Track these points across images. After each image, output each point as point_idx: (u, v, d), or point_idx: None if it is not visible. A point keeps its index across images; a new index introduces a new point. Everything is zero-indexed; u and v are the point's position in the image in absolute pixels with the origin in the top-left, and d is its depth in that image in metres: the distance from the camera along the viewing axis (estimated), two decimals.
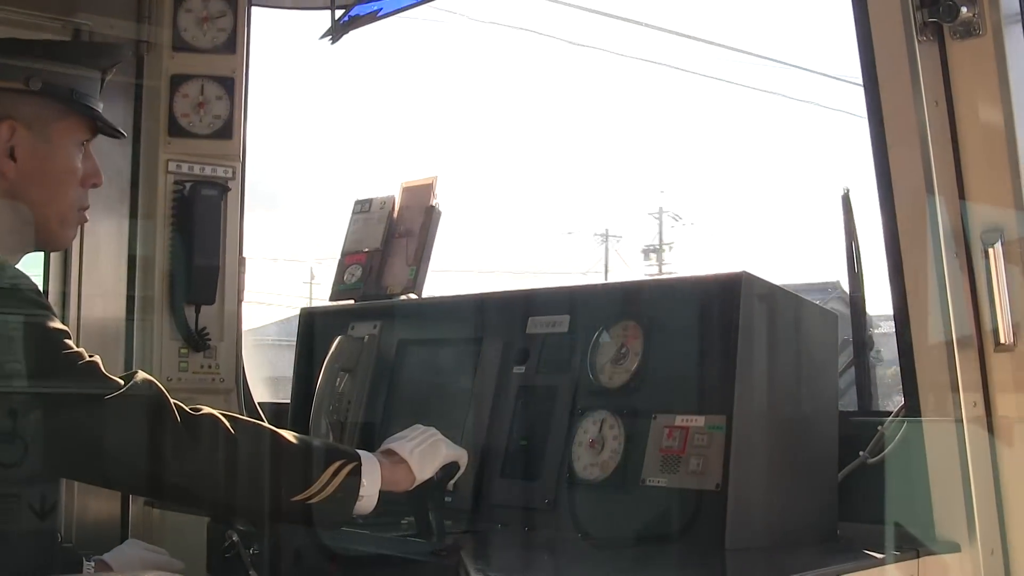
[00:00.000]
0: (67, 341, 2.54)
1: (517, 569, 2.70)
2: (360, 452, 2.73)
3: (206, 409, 2.63)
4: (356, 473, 2.68)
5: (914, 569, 2.66)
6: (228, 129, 4.33)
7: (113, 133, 2.93)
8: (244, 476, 2.63)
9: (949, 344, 2.70)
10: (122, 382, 2.54)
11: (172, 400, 2.58)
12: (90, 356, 2.55)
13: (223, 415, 2.63)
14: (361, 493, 2.68)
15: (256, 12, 4.46)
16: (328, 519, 2.68)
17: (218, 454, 2.59)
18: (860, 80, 2.84)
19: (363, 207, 3.94)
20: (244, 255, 4.41)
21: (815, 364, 2.86)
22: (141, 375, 2.59)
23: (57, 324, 2.55)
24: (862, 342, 3.20)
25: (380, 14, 3.93)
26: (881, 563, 2.60)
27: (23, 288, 2.58)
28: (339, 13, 4.05)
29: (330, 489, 2.64)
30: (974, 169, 2.71)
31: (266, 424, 2.72)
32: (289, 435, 2.70)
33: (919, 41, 2.71)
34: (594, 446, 2.81)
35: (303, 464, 2.67)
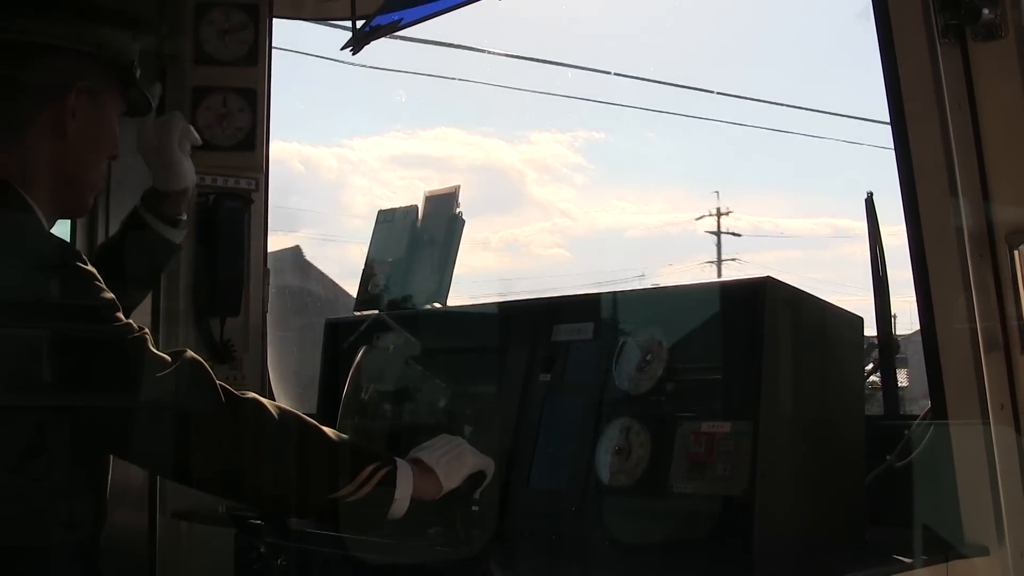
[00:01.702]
0: (117, 315, 2.56)
1: None
2: (396, 458, 2.74)
3: (251, 394, 2.64)
4: (392, 477, 2.69)
5: (943, 573, 2.65)
6: (251, 141, 4.34)
7: (147, 109, 3.08)
8: (283, 464, 2.63)
9: (975, 347, 2.69)
10: (170, 359, 2.56)
11: (218, 382, 2.59)
12: (140, 329, 2.57)
13: (268, 403, 2.64)
14: (395, 496, 2.69)
15: (277, 24, 4.48)
16: (360, 521, 2.68)
17: (260, 439, 2.60)
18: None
19: (386, 217, 3.94)
20: (268, 267, 4.42)
21: (840, 368, 2.85)
22: (189, 354, 2.60)
23: (106, 295, 2.57)
24: (888, 345, 3.20)
25: (402, 24, 3.93)
26: (910, 567, 2.60)
27: (71, 255, 2.60)
28: (360, 24, 4.05)
29: (365, 490, 2.65)
30: (998, 171, 2.70)
31: (308, 418, 2.72)
32: (328, 431, 2.71)
33: (941, 44, 2.70)
34: (620, 453, 2.81)
35: (341, 460, 2.67)
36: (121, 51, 2.89)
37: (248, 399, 2.62)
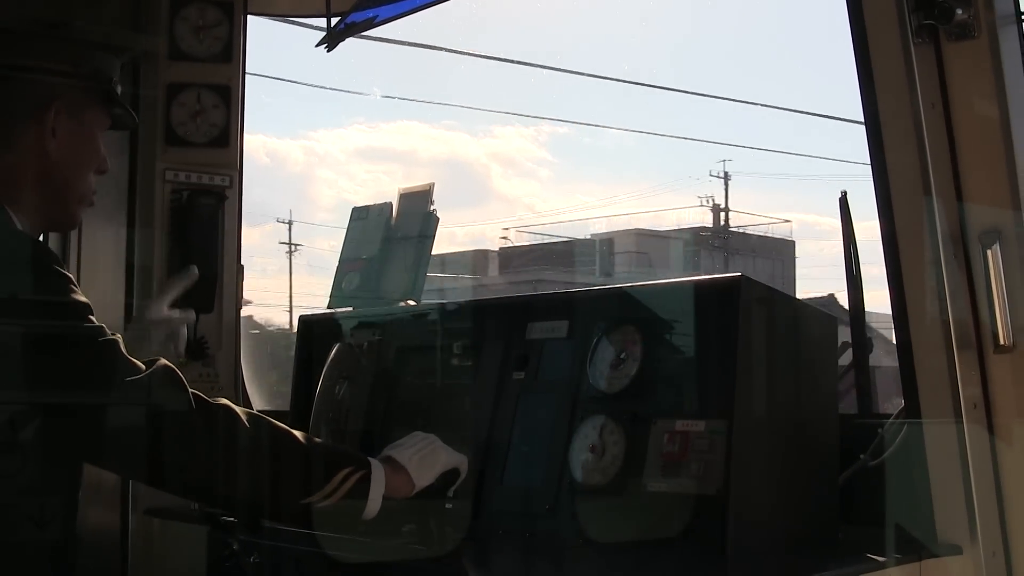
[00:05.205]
0: (90, 317, 2.57)
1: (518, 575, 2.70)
2: (370, 459, 2.74)
3: (223, 400, 2.65)
4: (365, 481, 2.69)
5: (916, 572, 2.66)
6: (225, 137, 4.31)
7: (132, 124, 3.15)
8: (254, 472, 2.64)
9: (948, 346, 2.70)
10: (143, 365, 2.57)
11: (190, 389, 2.59)
12: (112, 334, 2.58)
13: (240, 410, 2.64)
14: (368, 498, 2.68)
15: (252, 20, 4.46)
16: (334, 523, 2.68)
17: (231, 446, 2.60)
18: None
19: (361, 214, 3.93)
20: (242, 263, 4.40)
21: (815, 367, 2.86)
22: (163, 361, 2.61)
23: (80, 297, 2.58)
24: (861, 344, 3.20)
25: (377, 20, 3.91)
26: (883, 566, 2.60)
27: (45, 258, 2.61)
28: (335, 20, 4.03)
29: (339, 495, 2.66)
30: (971, 171, 2.71)
31: (279, 424, 2.72)
32: (300, 435, 2.71)
33: (915, 44, 2.71)
34: (595, 451, 2.80)
35: (314, 466, 2.68)
36: (100, 68, 2.92)
37: (220, 405, 2.63)
